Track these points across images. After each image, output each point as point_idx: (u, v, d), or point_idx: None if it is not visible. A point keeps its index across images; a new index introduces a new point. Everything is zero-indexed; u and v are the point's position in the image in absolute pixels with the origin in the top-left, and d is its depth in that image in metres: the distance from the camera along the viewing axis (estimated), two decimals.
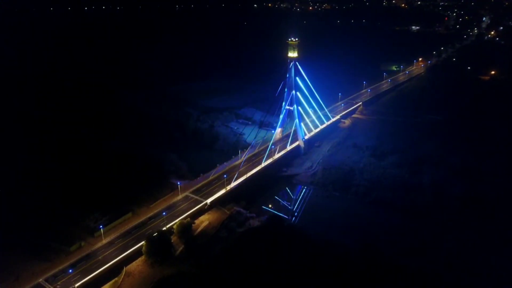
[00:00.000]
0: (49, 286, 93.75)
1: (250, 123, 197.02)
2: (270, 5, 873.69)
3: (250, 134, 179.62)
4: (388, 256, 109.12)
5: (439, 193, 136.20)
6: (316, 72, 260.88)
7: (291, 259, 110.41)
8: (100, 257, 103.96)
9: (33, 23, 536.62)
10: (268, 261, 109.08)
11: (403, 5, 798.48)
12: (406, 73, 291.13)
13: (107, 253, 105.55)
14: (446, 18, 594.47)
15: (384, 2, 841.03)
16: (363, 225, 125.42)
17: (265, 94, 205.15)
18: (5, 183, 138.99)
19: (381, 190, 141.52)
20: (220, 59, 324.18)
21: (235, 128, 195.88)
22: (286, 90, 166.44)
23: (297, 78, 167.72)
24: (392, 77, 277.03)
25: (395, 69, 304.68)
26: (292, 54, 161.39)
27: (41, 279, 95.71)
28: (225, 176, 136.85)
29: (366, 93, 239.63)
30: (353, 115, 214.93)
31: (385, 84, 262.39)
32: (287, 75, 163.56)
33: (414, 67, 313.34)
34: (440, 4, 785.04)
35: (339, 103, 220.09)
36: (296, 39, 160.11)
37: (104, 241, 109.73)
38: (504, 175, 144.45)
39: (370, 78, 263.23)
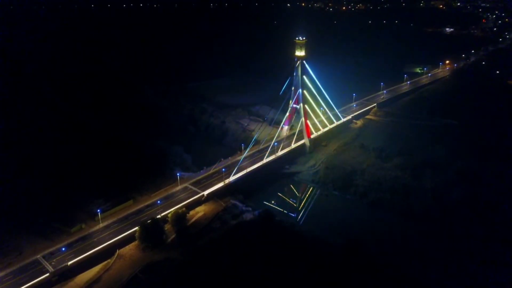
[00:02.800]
0: (45, 262, 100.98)
1: (261, 120, 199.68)
2: (303, 4, 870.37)
3: (259, 131, 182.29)
4: (371, 255, 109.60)
5: (438, 197, 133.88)
6: (334, 72, 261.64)
7: (279, 253, 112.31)
8: (95, 239, 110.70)
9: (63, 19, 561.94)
10: (256, 253, 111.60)
11: (441, 6, 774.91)
12: (429, 75, 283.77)
13: (102, 235, 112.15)
14: (483, 20, 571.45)
15: (422, 3, 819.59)
16: (355, 224, 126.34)
17: (279, 92, 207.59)
18: (20, 168, 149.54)
19: (380, 192, 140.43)
20: (240, 56, 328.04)
21: (246, 124, 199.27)
22: (293, 88, 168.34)
23: (306, 78, 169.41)
24: (414, 79, 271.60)
25: (419, 71, 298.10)
26: (299, 53, 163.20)
27: (39, 256, 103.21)
28: (223, 170, 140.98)
29: (383, 94, 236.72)
30: (367, 116, 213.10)
31: (405, 86, 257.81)
32: (294, 74, 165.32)
33: (440, 70, 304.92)
34: (481, 5, 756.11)
35: (353, 103, 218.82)
36: (304, 38, 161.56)
37: (101, 225, 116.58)
38: (508, 182, 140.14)
39: (391, 80, 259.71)
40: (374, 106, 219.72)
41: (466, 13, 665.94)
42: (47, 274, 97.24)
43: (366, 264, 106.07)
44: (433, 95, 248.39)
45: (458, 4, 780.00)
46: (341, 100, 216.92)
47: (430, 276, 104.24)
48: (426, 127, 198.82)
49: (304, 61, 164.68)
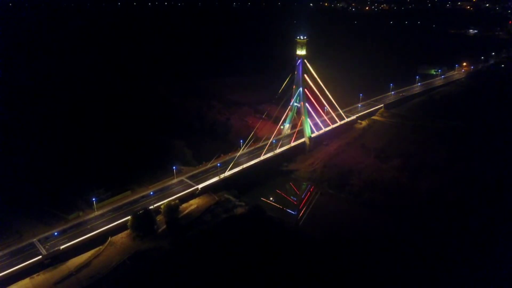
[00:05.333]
0: (40, 245, 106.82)
1: (265, 118, 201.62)
2: (326, 4, 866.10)
3: (262, 128, 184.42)
4: (352, 251, 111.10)
5: (432, 199, 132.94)
6: (346, 72, 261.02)
7: (265, 247, 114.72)
8: (88, 226, 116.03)
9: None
10: (242, 246, 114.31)
11: (468, 7, 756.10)
12: (441, 77, 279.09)
13: (95, 223, 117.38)
14: (510, 22, 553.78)
15: (448, 4, 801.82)
16: (345, 222, 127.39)
17: (288, 91, 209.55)
18: (28, 158, 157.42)
19: (375, 192, 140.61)
20: (255, 55, 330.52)
21: (250, 122, 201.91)
22: (294, 87, 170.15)
23: (308, 77, 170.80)
24: (427, 81, 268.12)
25: (433, 72, 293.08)
26: (300, 52, 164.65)
27: (35, 239, 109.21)
28: (219, 164, 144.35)
29: (392, 95, 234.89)
30: (372, 117, 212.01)
31: (416, 88, 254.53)
32: (295, 72, 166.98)
33: (455, 72, 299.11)
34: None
35: (360, 104, 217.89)
36: (305, 37, 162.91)
37: (97, 213, 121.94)
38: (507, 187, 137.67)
39: (403, 81, 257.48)
40: (381, 107, 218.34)
41: (493, 15, 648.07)
42: (40, 257, 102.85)
43: (347, 259, 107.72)
44: (444, 97, 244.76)
45: (487, 5, 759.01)
46: (349, 100, 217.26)
47: (413, 275, 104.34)
48: (432, 129, 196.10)
49: (305, 60, 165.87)
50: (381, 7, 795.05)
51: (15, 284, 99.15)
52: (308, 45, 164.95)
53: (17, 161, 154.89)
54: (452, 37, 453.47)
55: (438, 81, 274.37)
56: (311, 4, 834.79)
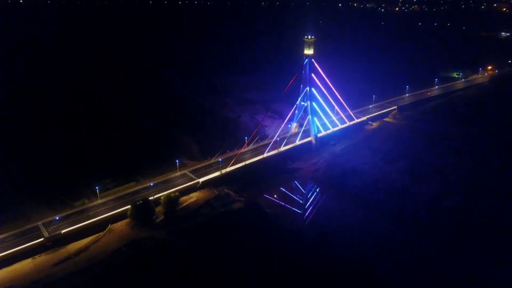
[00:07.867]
0: (43, 229, 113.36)
1: (277, 116, 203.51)
2: (355, 5, 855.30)
3: (272, 126, 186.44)
4: (340, 250, 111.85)
5: (432, 202, 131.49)
6: (364, 73, 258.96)
7: (257, 243, 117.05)
8: (90, 213, 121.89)
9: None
10: (235, 241, 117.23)
11: (504, 9, 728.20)
12: (462, 80, 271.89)
13: (97, 211, 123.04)
14: None
15: (483, 6, 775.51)
16: (339, 222, 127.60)
17: (297, 90, 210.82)
18: (41, 147, 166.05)
19: (375, 193, 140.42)
20: (275, 54, 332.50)
21: (260, 120, 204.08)
22: (301, 86, 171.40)
23: (316, 77, 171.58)
24: (446, 84, 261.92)
25: (456, 76, 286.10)
26: (308, 51, 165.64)
27: (39, 223, 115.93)
28: (220, 160, 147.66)
29: (407, 97, 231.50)
30: (384, 119, 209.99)
31: (435, 91, 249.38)
32: (302, 72, 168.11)
33: (479, 76, 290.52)
34: None
35: (372, 105, 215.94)
36: (313, 37, 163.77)
37: (100, 201, 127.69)
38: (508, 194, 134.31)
39: (421, 83, 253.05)
40: (394, 109, 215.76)
41: None
42: (42, 239, 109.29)
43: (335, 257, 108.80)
44: (462, 101, 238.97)
45: None
46: (363, 100, 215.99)
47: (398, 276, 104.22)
48: (444, 133, 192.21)
49: (312, 60, 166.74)
50: (412, 8, 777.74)
51: (18, 263, 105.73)
52: (323, 45, 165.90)
53: (32, 151, 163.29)
54: (482, 40, 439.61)
55: (459, 84, 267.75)
56: (339, 5, 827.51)
